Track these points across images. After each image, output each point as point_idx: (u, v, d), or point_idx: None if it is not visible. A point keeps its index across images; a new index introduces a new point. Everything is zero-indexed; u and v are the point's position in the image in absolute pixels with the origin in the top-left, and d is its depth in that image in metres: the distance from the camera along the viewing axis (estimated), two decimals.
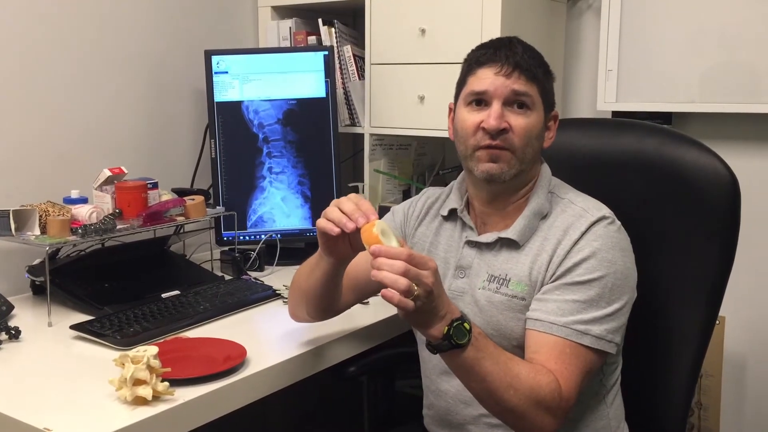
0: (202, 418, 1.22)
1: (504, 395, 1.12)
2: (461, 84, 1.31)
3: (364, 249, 1.14)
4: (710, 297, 1.34)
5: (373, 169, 2.19)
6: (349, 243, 1.22)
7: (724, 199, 1.33)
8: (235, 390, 1.27)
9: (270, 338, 1.50)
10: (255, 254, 1.97)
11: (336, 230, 1.16)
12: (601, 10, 2.12)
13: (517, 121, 1.23)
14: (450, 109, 1.35)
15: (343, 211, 1.16)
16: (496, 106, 1.23)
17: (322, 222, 1.18)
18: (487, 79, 1.24)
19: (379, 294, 1.07)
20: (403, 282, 1.03)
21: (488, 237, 1.30)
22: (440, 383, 1.34)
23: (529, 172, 1.29)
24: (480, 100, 1.25)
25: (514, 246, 1.27)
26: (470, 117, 1.26)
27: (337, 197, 2.04)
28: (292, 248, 2.10)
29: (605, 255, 1.20)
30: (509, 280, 1.26)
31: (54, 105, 1.86)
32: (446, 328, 1.09)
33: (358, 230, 1.14)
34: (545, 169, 1.33)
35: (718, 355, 2.05)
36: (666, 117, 2.09)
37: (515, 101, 1.24)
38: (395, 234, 1.13)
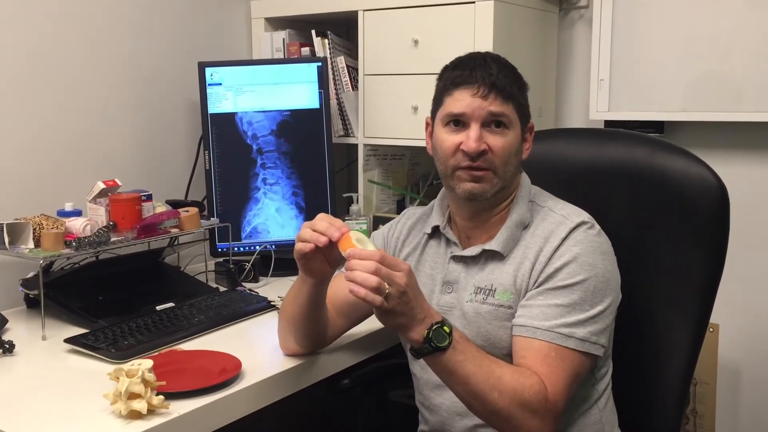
0: (200, 430, 1.22)
1: (488, 397, 1.13)
2: (437, 102, 1.31)
3: (341, 263, 1.17)
4: (701, 304, 1.35)
5: (367, 179, 2.20)
6: (326, 260, 1.25)
7: (713, 208, 1.34)
8: (231, 403, 1.27)
9: (265, 350, 1.50)
10: (250, 265, 1.97)
11: (310, 246, 1.19)
12: (593, 20, 2.14)
13: (496, 141, 1.25)
14: (427, 123, 1.36)
15: (316, 230, 1.19)
16: (474, 129, 1.24)
17: (297, 245, 1.22)
18: (464, 101, 1.25)
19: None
20: (373, 279, 1.07)
21: (472, 250, 1.31)
22: (434, 398, 1.34)
23: (511, 184, 1.31)
24: (458, 121, 1.26)
25: (498, 257, 1.29)
26: (449, 138, 1.27)
27: (332, 208, 2.07)
28: (286, 259, 2.08)
29: (586, 259, 1.22)
30: (495, 290, 1.27)
31: (47, 117, 1.86)
32: (426, 331, 1.12)
33: (332, 245, 1.18)
34: (524, 179, 1.35)
35: (712, 362, 2.05)
36: (658, 126, 2.10)
37: (492, 121, 1.25)
38: (372, 242, 1.16)
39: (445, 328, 1.13)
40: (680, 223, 1.37)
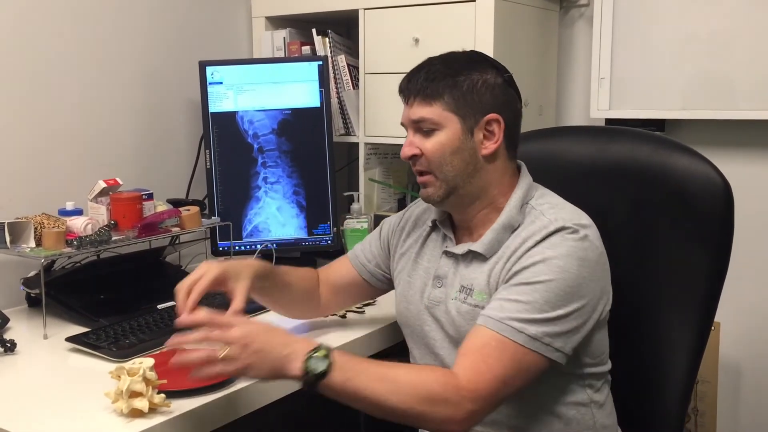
0: (199, 430, 1.22)
1: (389, 403, 1.10)
2: None
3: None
4: (705, 304, 1.34)
5: (368, 178, 2.20)
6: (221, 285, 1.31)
7: (717, 206, 1.33)
8: (232, 401, 1.27)
9: None
10: None
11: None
12: (594, 18, 2.13)
13: (424, 144, 1.28)
14: None
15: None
16: (408, 136, 1.31)
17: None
18: (403, 112, 1.32)
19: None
20: (200, 355, 1.10)
21: (461, 248, 1.32)
22: None
23: (469, 184, 1.29)
24: (407, 131, 1.32)
25: (482, 258, 1.28)
26: None
27: (333, 206, 2.07)
28: (288, 258, 2.10)
29: (557, 262, 1.18)
30: (473, 290, 1.27)
31: (48, 117, 1.86)
32: (302, 364, 1.09)
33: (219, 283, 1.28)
34: (523, 181, 1.32)
35: (713, 360, 2.05)
36: (659, 124, 2.10)
37: (419, 126, 1.28)
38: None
39: (320, 353, 1.09)
40: (684, 222, 1.36)
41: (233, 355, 1.09)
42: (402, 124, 1.32)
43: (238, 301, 1.27)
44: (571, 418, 1.28)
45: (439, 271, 1.34)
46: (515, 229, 1.27)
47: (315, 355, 1.09)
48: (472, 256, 1.30)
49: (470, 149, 1.27)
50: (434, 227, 1.40)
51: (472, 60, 1.31)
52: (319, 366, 1.08)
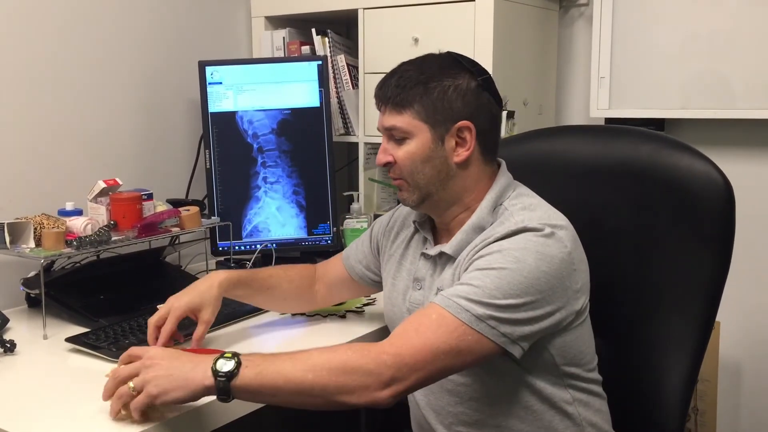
0: (199, 430, 1.22)
1: (306, 382, 1.07)
2: None
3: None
4: (706, 303, 1.34)
5: (367, 177, 2.20)
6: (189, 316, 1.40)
7: (718, 206, 1.32)
8: (232, 401, 1.27)
9: (265, 348, 1.49)
10: (251, 264, 1.97)
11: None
12: (593, 18, 2.14)
13: (396, 152, 1.28)
14: None
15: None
16: (383, 142, 1.31)
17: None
18: (378, 117, 1.32)
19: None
20: (115, 405, 1.13)
21: (435, 250, 1.32)
22: (414, 392, 1.33)
23: (443, 191, 1.28)
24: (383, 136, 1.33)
25: (452, 260, 1.27)
26: None
27: (332, 206, 2.07)
28: (288, 257, 2.10)
29: (514, 253, 1.15)
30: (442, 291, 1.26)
31: (48, 117, 1.86)
32: (210, 370, 1.08)
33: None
34: (498, 184, 1.30)
35: (713, 359, 2.05)
36: (659, 123, 2.10)
37: (391, 135, 1.28)
38: None
39: (227, 354, 1.09)
40: (686, 221, 1.35)
41: (140, 381, 1.10)
42: (378, 129, 1.32)
43: (199, 331, 1.38)
44: (554, 416, 1.27)
45: (417, 273, 1.35)
46: (484, 230, 1.25)
47: (221, 358, 1.09)
48: (446, 258, 1.29)
49: (441, 157, 1.26)
50: (417, 229, 1.40)
51: (445, 64, 1.28)
52: (227, 365, 1.07)
